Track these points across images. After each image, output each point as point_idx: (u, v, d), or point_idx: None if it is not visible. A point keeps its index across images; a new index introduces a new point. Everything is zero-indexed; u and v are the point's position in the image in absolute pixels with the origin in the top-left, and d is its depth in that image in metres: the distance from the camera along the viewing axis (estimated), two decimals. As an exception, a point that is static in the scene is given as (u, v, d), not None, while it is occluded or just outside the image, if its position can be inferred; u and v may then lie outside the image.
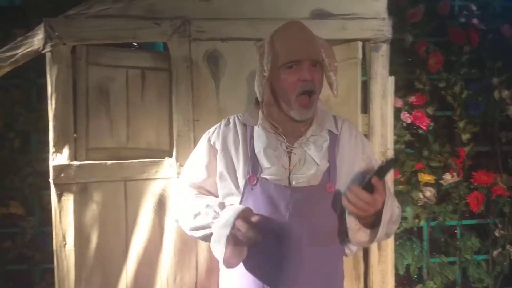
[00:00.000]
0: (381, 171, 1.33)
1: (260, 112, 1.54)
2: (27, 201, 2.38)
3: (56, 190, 1.91)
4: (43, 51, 1.89)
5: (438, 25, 2.59)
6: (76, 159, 1.94)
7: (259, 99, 1.52)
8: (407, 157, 2.80)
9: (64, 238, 1.93)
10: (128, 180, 1.95)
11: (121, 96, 2.02)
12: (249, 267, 1.46)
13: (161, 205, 1.97)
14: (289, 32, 1.47)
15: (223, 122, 1.61)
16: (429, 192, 2.56)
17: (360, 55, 2.09)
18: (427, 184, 2.57)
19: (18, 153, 2.37)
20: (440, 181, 2.57)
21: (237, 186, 1.49)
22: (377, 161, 1.58)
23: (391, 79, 2.16)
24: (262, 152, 1.47)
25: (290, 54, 1.43)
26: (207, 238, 1.46)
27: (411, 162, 2.87)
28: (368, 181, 1.33)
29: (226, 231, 1.34)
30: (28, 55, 1.90)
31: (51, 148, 1.91)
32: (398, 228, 3.01)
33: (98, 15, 1.90)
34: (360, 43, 2.08)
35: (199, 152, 1.61)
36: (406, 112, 2.90)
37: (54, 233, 1.93)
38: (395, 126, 2.95)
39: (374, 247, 2.12)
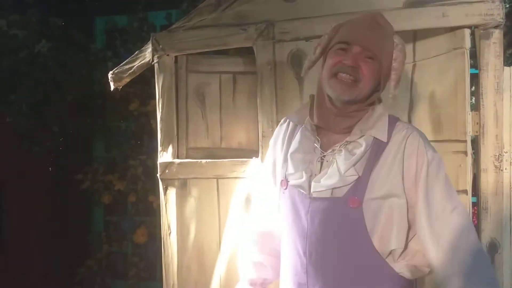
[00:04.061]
0: None
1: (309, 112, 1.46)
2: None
3: (162, 184, 2.16)
4: (152, 63, 2.15)
5: None
6: (178, 157, 2.16)
7: (302, 75, 1.48)
8: None
9: (169, 227, 2.16)
10: (220, 177, 2.08)
11: (215, 99, 2.18)
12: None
13: (248, 203, 2.04)
14: (357, 19, 1.39)
15: (282, 120, 1.59)
16: None
17: (467, 44, 1.83)
18: None
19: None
20: None
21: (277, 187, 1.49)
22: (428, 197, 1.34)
23: (509, 70, 1.83)
24: (289, 156, 1.42)
25: (344, 36, 1.35)
26: None
27: None
28: None
29: None
30: (142, 66, 2.18)
31: (159, 147, 2.17)
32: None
33: (194, 26, 2.08)
34: (467, 31, 1.82)
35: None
36: None
37: (161, 222, 2.18)
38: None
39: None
